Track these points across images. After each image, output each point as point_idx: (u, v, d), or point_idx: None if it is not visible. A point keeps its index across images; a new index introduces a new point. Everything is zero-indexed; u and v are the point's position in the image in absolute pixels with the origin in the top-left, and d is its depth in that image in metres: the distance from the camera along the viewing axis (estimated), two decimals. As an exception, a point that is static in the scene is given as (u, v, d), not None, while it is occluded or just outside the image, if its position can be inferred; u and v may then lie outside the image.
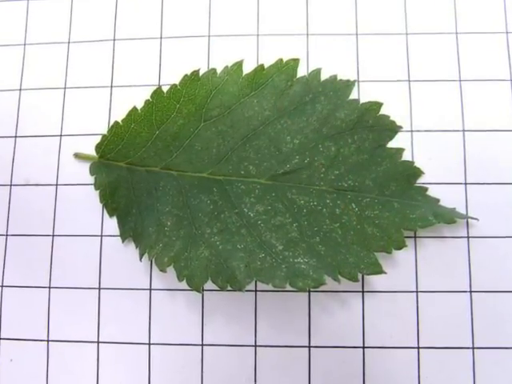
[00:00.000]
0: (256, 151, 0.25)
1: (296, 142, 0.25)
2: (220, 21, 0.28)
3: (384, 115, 0.25)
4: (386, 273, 0.23)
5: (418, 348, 0.25)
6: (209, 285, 0.23)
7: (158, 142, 0.25)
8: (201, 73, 0.25)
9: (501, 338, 0.25)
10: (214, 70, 0.25)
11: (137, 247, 0.25)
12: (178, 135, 0.25)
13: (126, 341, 0.26)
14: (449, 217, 0.24)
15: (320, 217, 0.24)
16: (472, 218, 0.25)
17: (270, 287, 0.23)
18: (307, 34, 0.28)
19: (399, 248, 0.24)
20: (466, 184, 0.26)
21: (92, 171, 0.26)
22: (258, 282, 0.25)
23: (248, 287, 0.23)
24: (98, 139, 0.26)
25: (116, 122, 0.25)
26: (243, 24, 0.28)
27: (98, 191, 0.26)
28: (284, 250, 0.24)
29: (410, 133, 0.26)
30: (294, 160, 0.25)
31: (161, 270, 0.24)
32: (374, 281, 0.25)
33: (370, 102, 0.25)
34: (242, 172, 0.25)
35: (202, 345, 0.25)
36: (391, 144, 0.25)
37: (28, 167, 0.27)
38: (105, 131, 0.26)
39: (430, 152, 0.26)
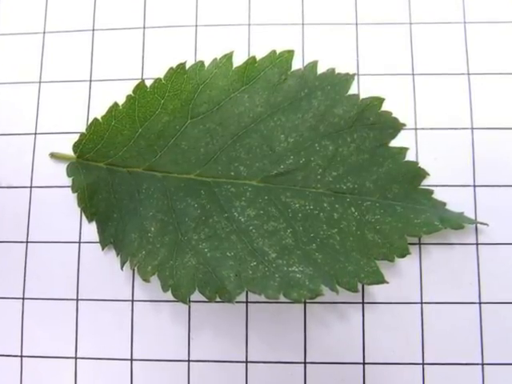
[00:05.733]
0: (247, 151, 0.25)
1: (290, 140, 0.25)
2: (208, 9, 0.28)
3: (386, 112, 0.25)
4: (388, 282, 0.23)
5: (423, 364, 0.25)
6: (196, 296, 0.23)
7: (140, 141, 0.25)
8: (187, 66, 0.25)
9: (512, 354, 0.25)
10: (201, 63, 0.25)
11: (118, 255, 0.25)
12: (163, 133, 0.25)
13: (106, 356, 0.26)
14: (456, 222, 0.24)
15: (316, 222, 0.24)
16: (481, 224, 0.25)
17: (262, 298, 0.23)
18: (303, 24, 0.28)
19: (402, 256, 0.24)
20: (474, 186, 0.26)
21: (69, 172, 0.26)
22: (249, 293, 0.25)
23: (238, 298, 0.23)
24: (75, 138, 0.26)
25: (95, 119, 0.25)
26: (233, 13, 0.28)
27: (75, 194, 0.26)
28: (277, 258, 0.24)
29: (413, 131, 0.26)
30: (289, 160, 0.25)
31: (144, 280, 0.24)
32: (375, 291, 0.25)
33: (370, 98, 0.25)
34: (232, 173, 0.25)
35: (189, 361, 0.25)
36: (393, 143, 0.25)
37: (0, 168, 0.27)
38: (83, 129, 0.26)
39: (435, 152, 0.26)
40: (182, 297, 0.23)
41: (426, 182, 0.25)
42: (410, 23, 0.27)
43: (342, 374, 0.25)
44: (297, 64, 0.25)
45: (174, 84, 0.25)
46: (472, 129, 0.26)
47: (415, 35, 0.27)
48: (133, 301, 0.26)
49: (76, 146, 0.26)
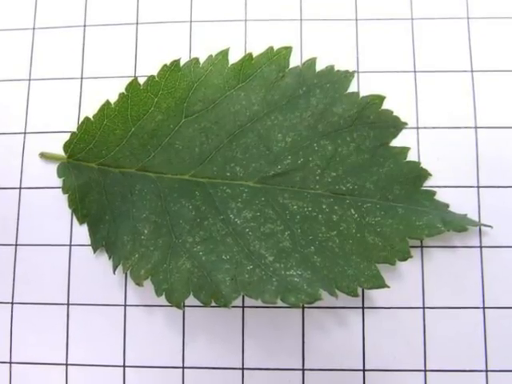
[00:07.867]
0: (243, 150, 0.25)
1: (288, 140, 0.25)
2: (203, 4, 0.28)
3: (387, 110, 0.25)
4: (388, 287, 0.23)
5: (425, 371, 0.24)
6: (191, 300, 0.23)
7: (133, 141, 0.25)
8: (182, 63, 0.25)
9: (517, 360, 0.25)
10: (196, 60, 0.25)
11: (110, 258, 0.25)
12: (157, 133, 0.25)
13: (98, 363, 0.25)
14: (459, 224, 0.24)
15: (315, 224, 0.24)
16: (485, 226, 0.25)
17: (258, 303, 0.23)
18: (301, 20, 0.27)
19: (404, 259, 0.24)
20: (478, 187, 0.25)
21: (60, 173, 0.26)
22: (245, 297, 0.25)
23: (234, 303, 0.23)
24: (66, 137, 0.26)
25: (87, 118, 0.25)
26: (229, 8, 0.28)
27: (66, 195, 0.26)
28: (275, 262, 0.23)
29: (415, 130, 0.26)
30: (286, 160, 0.24)
31: (137, 284, 0.24)
32: (376, 296, 0.25)
33: (371, 96, 0.25)
34: (228, 174, 0.25)
35: (183, 367, 0.25)
36: (395, 142, 0.25)
37: (-12, 169, 0.27)
38: (74, 128, 0.26)
39: (438, 151, 0.26)
40: (176, 301, 0.23)
41: (428, 183, 0.25)
42: (412, 19, 0.27)
43: (341, 380, 0.25)
44: (295, 61, 0.25)
45: (168, 82, 0.25)
46: (476, 128, 0.26)
47: (417, 31, 0.27)
48: (125, 305, 0.26)
49: (67, 146, 0.26)
